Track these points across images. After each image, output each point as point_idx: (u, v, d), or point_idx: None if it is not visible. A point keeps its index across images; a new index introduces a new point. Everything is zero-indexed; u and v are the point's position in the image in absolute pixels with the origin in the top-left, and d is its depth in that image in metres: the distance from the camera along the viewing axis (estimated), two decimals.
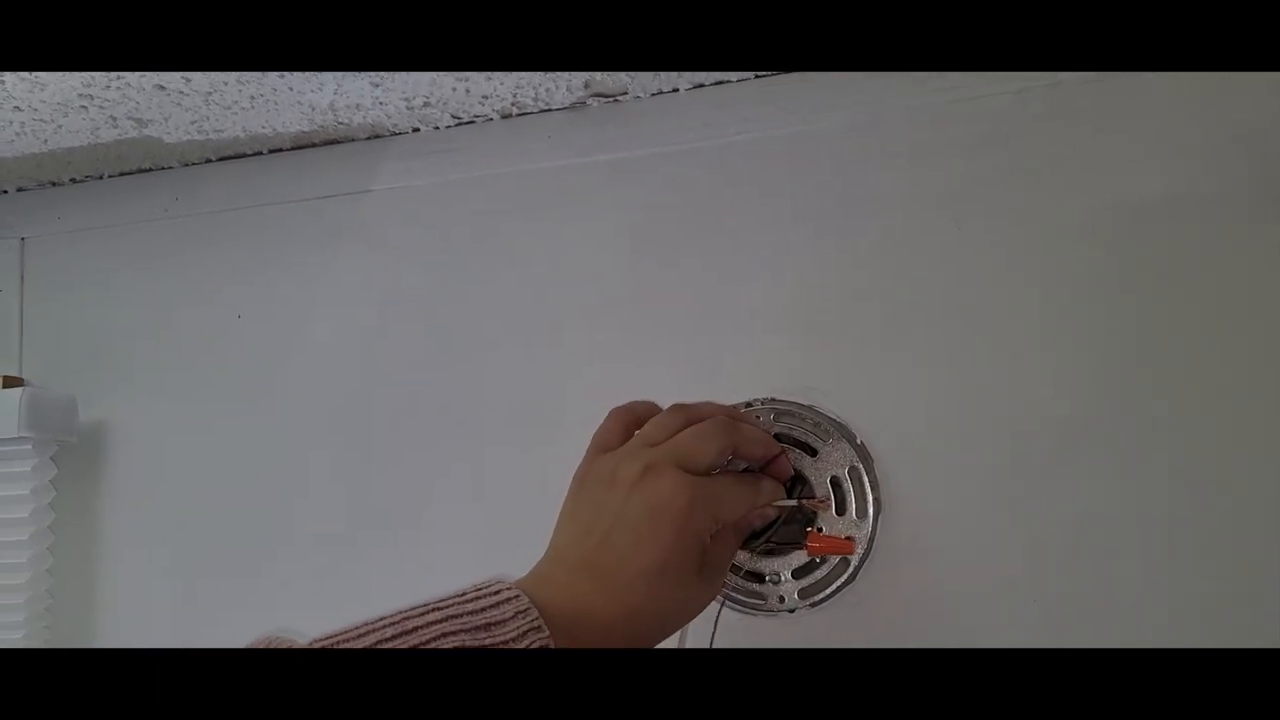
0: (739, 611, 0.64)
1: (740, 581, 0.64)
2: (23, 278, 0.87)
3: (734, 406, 0.64)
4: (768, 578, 0.64)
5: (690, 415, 0.54)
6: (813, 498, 0.62)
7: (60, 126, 0.76)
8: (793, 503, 0.58)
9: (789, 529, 0.63)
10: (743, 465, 0.58)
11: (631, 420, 0.55)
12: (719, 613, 0.60)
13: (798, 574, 0.63)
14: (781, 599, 0.63)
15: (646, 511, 0.49)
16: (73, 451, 0.81)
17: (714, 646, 0.60)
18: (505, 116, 0.76)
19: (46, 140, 0.79)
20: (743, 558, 0.63)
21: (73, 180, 0.87)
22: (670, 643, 0.58)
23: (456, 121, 0.77)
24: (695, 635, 0.60)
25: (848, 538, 0.62)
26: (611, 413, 0.57)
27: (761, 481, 0.56)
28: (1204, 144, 0.62)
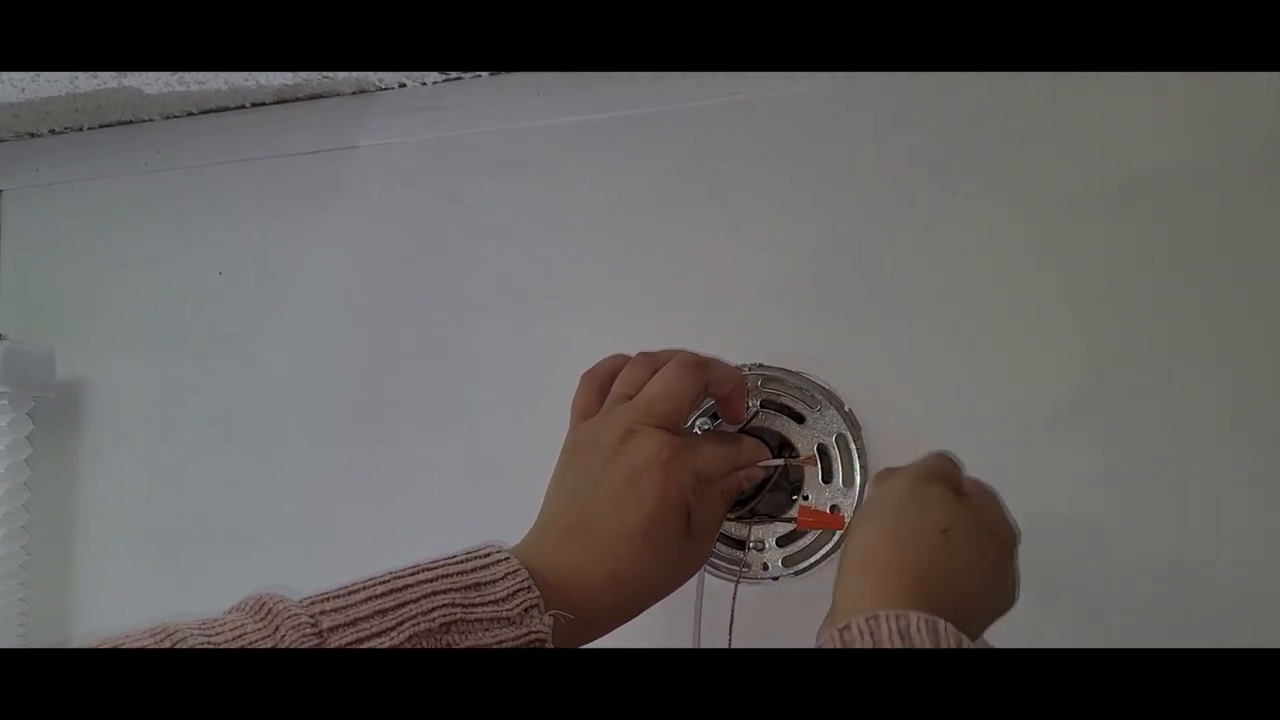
0: (722, 579, 0.63)
1: (724, 548, 0.63)
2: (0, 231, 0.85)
3: None
4: (752, 545, 0.63)
5: (655, 362, 0.53)
6: (798, 456, 0.61)
7: (37, 73, 0.74)
8: (779, 462, 0.58)
9: (775, 497, 0.62)
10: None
11: (604, 381, 0.55)
12: (734, 599, 0.60)
13: (782, 542, 0.63)
14: (765, 566, 0.63)
15: (629, 474, 0.49)
16: (50, 407, 0.79)
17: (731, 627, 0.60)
18: (494, 73, 0.74)
19: (24, 89, 0.77)
20: (728, 525, 0.62)
21: (51, 132, 0.85)
22: (685, 626, 0.58)
23: (444, 77, 0.75)
24: (710, 623, 0.59)
25: (834, 507, 0.62)
26: (583, 378, 0.56)
27: (743, 441, 0.56)
28: (1210, 115, 0.61)
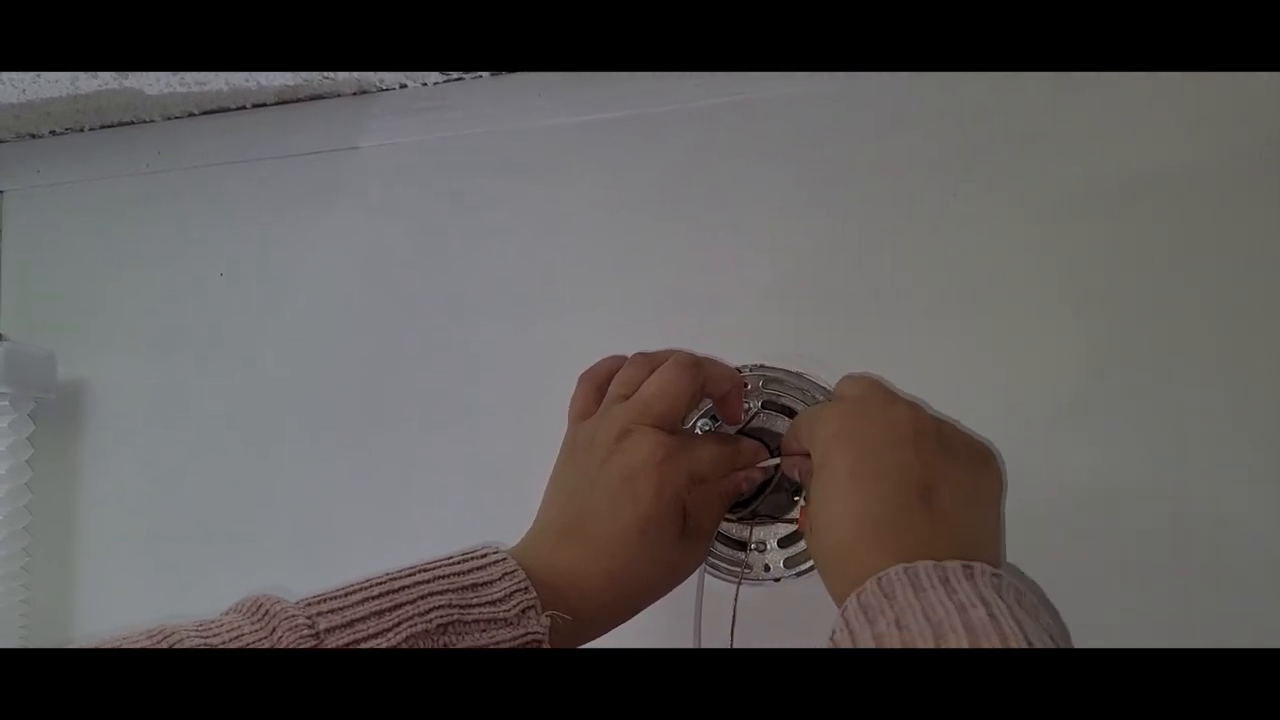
0: (724, 580, 0.63)
1: (725, 549, 0.63)
2: (0, 232, 0.85)
3: None
4: (753, 546, 0.63)
5: (652, 362, 0.53)
6: None
7: (38, 73, 0.74)
8: (777, 462, 0.58)
9: (776, 497, 0.62)
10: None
11: (602, 381, 0.55)
12: (735, 600, 0.60)
13: (783, 543, 0.63)
14: (767, 567, 0.63)
15: (625, 473, 0.49)
16: (51, 408, 0.80)
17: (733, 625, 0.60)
18: (494, 73, 0.74)
19: (25, 90, 0.77)
20: (729, 526, 0.62)
21: (52, 133, 0.85)
22: (686, 627, 0.58)
23: (445, 78, 0.75)
24: (711, 624, 0.59)
25: None
26: (580, 379, 0.57)
27: (742, 442, 0.56)
28: (1210, 115, 0.61)
